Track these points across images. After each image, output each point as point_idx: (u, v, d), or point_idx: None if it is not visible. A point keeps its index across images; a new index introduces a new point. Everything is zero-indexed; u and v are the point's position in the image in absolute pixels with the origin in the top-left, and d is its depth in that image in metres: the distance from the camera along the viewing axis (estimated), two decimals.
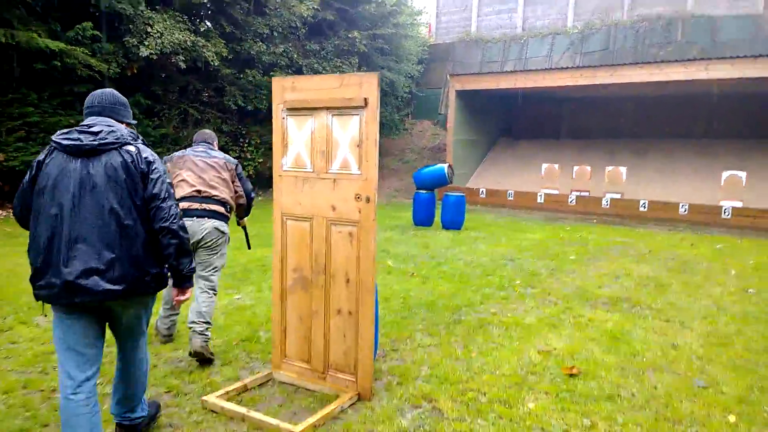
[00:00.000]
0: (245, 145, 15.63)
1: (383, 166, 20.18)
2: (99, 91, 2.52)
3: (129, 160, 2.33)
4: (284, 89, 3.28)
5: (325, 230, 3.23)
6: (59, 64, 10.68)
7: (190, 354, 3.60)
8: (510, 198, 15.86)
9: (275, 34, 14.95)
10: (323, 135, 3.18)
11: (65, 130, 2.35)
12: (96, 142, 2.29)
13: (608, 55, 18.91)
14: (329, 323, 3.27)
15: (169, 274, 2.51)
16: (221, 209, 3.81)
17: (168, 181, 2.44)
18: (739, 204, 12.62)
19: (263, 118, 16.09)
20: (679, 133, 16.45)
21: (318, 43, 16.97)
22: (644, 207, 13.60)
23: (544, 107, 19.45)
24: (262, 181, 16.70)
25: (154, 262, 2.39)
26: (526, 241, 9.38)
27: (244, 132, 15.70)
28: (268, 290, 5.66)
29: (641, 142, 16.85)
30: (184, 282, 2.50)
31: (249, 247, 4.79)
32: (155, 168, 2.39)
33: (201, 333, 3.55)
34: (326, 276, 3.25)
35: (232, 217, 4.10)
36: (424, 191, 11.03)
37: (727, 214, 12.44)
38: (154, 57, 11.50)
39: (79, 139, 2.29)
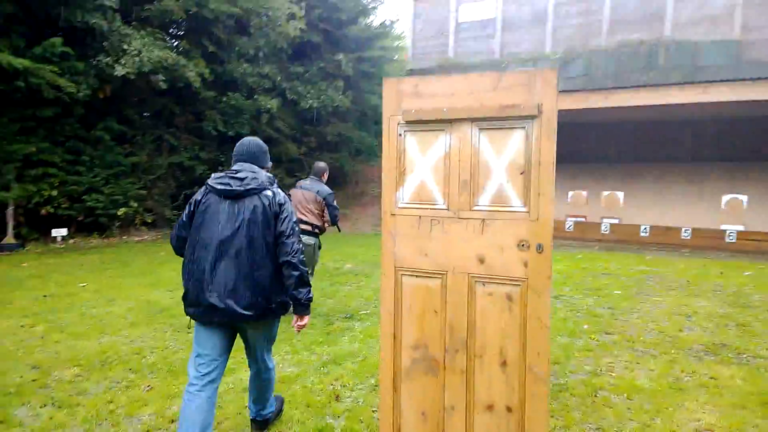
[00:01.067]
0: None
1: (365, 192, 19.31)
2: (246, 139, 2.95)
3: (266, 203, 2.70)
4: (401, 95, 2.35)
5: (466, 291, 2.28)
6: (23, 84, 9.39)
7: None
8: None
9: (261, 54, 13.99)
10: (466, 157, 2.25)
11: (219, 175, 2.76)
12: (242, 188, 2.68)
13: (590, 81, 18.80)
14: (473, 423, 2.29)
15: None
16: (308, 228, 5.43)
17: (294, 220, 2.75)
18: (741, 228, 12.31)
19: None
20: (670, 156, 16.28)
21: (302, 65, 16.11)
22: (645, 232, 13.15)
23: None
24: None
25: (279, 292, 2.70)
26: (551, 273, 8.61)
27: (223, 159, 14.53)
28: (305, 351, 4.61)
29: (633, 167, 16.61)
30: (303, 310, 2.72)
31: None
32: (285, 209, 2.75)
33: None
34: (468, 356, 2.29)
35: None
36: None
37: (731, 238, 12.08)
38: (132, 76, 10.32)
39: (229, 185, 2.68)
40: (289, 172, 16.66)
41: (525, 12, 22.61)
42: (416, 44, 24.85)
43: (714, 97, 12.58)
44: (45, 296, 6.59)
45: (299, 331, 2.77)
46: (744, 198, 12.48)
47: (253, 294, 2.58)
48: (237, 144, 2.92)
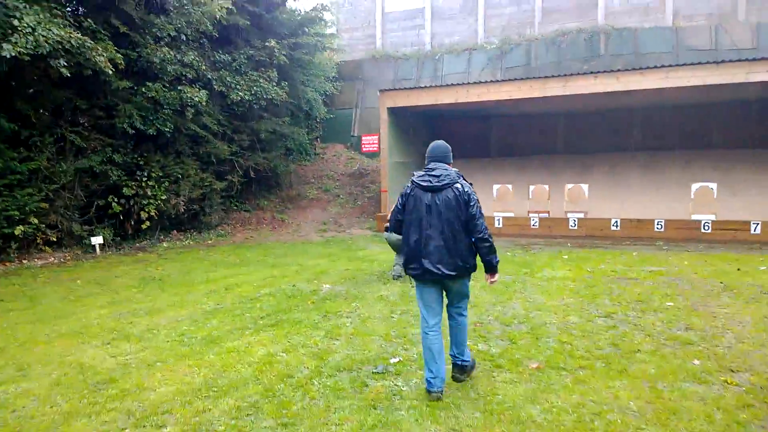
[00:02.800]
0: (144, 179, 12.08)
1: (302, 195, 17.51)
2: (436, 142, 3.87)
3: (457, 194, 3.61)
4: None
5: None
6: None
7: None
8: None
9: (182, 38, 11.79)
10: None
11: (421, 173, 3.76)
12: (439, 184, 3.64)
13: (530, 71, 18.30)
14: None
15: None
16: None
17: (479, 205, 3.67)
18: (712, 217, 12.09)
19: (166, 144, 12.70)
20: (621, 146, 16.07)
21: (229, 53, 14.01)
22: (616, 226, 12.61)
23: (471, 125, 18.25)
24: (167, 223, 13.21)
25: (472, 257, 3.69)
26: (558, 282, 7.55)
27: (141, 163, 12.16)
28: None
29: (583, 158, 16.24)
30: (493, 270, 3.78)
31: None
32: (472, 197, 3.64)
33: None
34: None
35: None
36: None
37: (706, 228, 11.80)
38: (26, 58, 7.91)
39: (429, 181, 3.67)
40: (218, 175, 14.51)
41: (454, 1, 21.82)
42: (342, 35, 23.27)
43: (675, 83, 12.24)
44: None
45: (492, 284, 3.85)
46: (714, 186, 12.27)
47: (452, 259, 3.58)
48: (430, 147, 3.83)
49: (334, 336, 5.10)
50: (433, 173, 3.67)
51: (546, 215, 13.64)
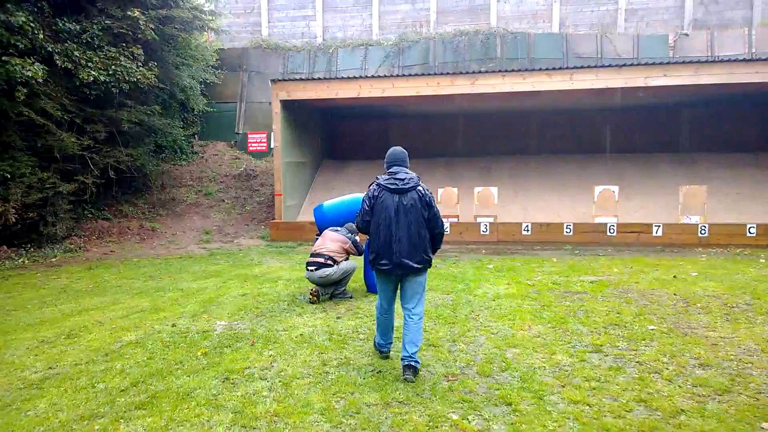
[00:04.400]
0: None
1: (177, 199, 14.85)
2: (395, 148, 4.12)
3: (420, 195, 3.93)
4: None
5: None
6: None
7: None
8: None
9: None
10: None
11: (386, 177, 3.99)
12: (405, 186, 3.92)
13: (429, 70, 17.35)
14: None
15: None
16: None
17: (436, 206, 4.03)
18: (614, 219, 11.83)
19: None
20: (520, 149, 15.63)
21: (77, 21, 11.11)
22: (527, 230, 11.90)
23: (370, 125, 16.88)
24: None
25: (430, 250, 4.00)
26: (507, 301, 6.32)
27: None
28: None
29: (484, 161, 15.56)
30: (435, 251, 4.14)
31: None
32: (432, 198, 4.00)
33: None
34: None
35: None
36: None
37: (612, 231, 11.48)
38: None
39: (396, 184, 3.92)
40: (65, 175, 11.48)
41: None
42: (223, 20, 20.62)
43: (579, 85, 11.85)
44: None
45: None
46: (615, 189, 12.01)
47: (417, 254, 3.88)
48: (390, 153, 4.12)
49: (248, 423, 3.20)
50: (397, 176, 3.96)
51: (455, 220, 12.59)
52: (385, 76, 13.26)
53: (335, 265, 6.14)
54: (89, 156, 11.82)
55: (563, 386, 3.70)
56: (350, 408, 3.37)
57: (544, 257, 9.77)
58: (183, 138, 16.25)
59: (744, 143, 14.12)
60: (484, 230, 12.10)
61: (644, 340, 4.67)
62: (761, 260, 8.85)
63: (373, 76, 13.19)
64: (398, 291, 4.07)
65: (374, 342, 4.36)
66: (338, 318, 5.58)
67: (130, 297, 6.78)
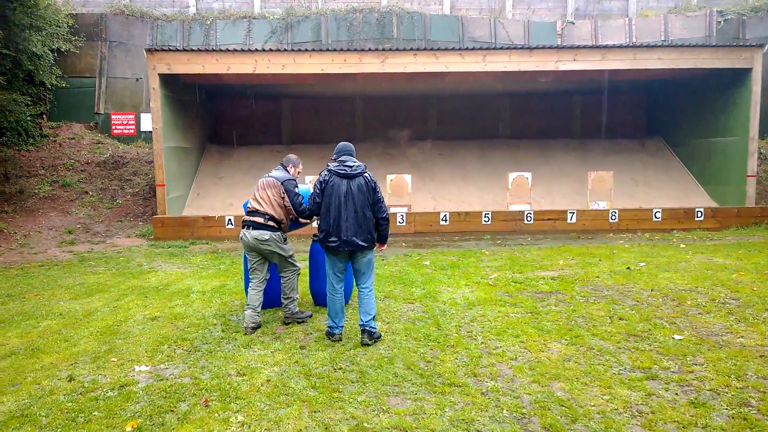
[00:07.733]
0: None
1: (27, 192, 11.77)
2: (343, 143, 4.40)
3: (367, 181, 4.21)
4: None
5: None
6: None
7: None
8: None
9: None
10: None
11: (336, 164, 4.24)
12: (353, 172, 4.20)
13: (321, 48, 15.78)
14: None
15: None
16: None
17: (381, 192, 4.32)
18: (527, 207, 11.55)
19: None
20: (419, 135, 14.82)
21: None
22: (445, 220, 11.13)
23: (260, 106, 14.94)
24: None
25: (374, 231, 4.27)
26: (486, 309, 5.37)
27: None
28: None
29: (383, 146, 14.50)
30: (384, 241, 4.40)
31: None
32: (376, 185, 4.29)
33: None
34: None
35: None
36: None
37: (529, 219, 11.15)
38: None
39: (345, 171, 4.19)
40: None
41: None
42: None
43: (492, 67, 11.28)
44: None
45: (381, 252, 4.65)
46: (529, 175, 11.70)
47: (363, 233, 4.15)
48: (339, 147, 4.37)
49: None
50: (347, 164, 4.24)
51: None
52: (286, 50, 11.56)
53: (278, 230, 4.62)
54: None
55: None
56: None
57: (472, 249, 9.03)
58: (29, 118, 12.86)
59: (631, 131, 14.77)
60: (401, 221, 11.09)
61: (685, 356, 3.91)
62: (682, 245, 8.95)
63: (271, 50, 11.43)
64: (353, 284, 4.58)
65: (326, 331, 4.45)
66: (302, 348, 4.13)
67: None
